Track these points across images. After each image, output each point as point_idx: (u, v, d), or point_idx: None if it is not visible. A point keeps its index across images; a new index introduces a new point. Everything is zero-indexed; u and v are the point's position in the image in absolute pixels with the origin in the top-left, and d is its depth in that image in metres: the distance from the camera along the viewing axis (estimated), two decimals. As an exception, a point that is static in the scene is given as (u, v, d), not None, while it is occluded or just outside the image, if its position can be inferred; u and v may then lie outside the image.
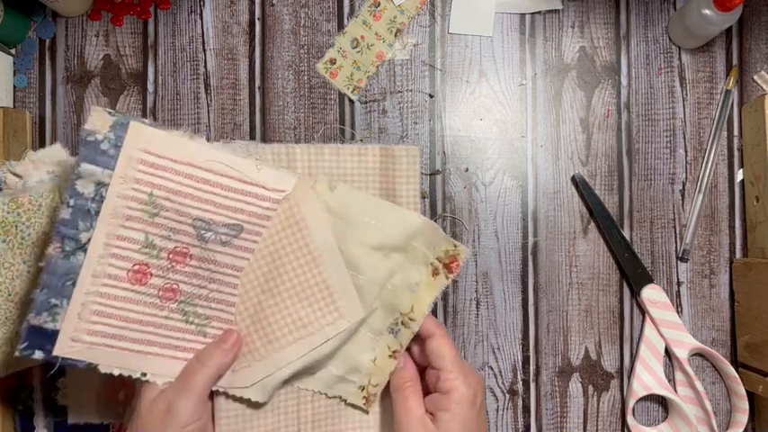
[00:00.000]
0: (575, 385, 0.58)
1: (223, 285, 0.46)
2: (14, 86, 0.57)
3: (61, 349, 0.41)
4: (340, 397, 0.50)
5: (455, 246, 0.50)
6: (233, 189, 0.45)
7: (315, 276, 0.47)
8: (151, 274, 0.43)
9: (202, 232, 0.44)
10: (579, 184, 0.58)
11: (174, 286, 0.44)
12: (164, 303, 0.44)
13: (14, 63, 0.57)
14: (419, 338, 0.49)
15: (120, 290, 0.43)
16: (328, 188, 0.48)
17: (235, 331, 0.46)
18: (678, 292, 0.58)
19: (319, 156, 0.50)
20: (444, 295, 0.57)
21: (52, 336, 0.41)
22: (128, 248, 0.43)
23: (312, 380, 0.49)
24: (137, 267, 0.43)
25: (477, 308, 0.58)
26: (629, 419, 0.57)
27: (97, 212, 0.41)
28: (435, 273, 0.50)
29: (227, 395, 0.47)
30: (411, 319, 0.49)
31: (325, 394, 0.50)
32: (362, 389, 0.50)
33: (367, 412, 0.50)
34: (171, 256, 0.44)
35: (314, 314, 0.47)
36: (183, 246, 0.44)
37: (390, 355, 0.49)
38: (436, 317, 0.57)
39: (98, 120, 0.41)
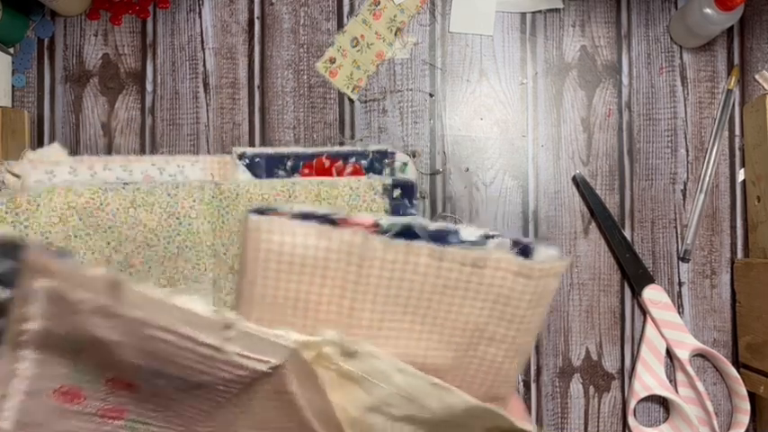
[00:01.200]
0: (575, 386, 0.58)
1: (185, 418, 0.36)
2: (13, 86, 0.57)
3: None
4: None
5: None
6: (190, 350, 0.30)
7: None
8: (85, 397, 0.33)
9: (148, 376, 0.32)
10: (580, 183, 0.57)
11: (120, 407, 0.35)
12: (105, 421, 0.35)
13: (13, 62, 0.57)
14: None
15: (44, 405, 0.33)
16: (341, 354, 0.33)
17: None
18: (679, 292, 0.58)
19: (411, 258, 0.33)
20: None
21: None
22: (49, 373, 0.32)
23: None
24: (65, 389, 0.33)
25: (478, 308, 0.57)
26: (631, 420, 0.57)
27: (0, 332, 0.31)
28: None
29: None
30: None
31: None
32: None
33: None
34: (110, 383, 0.33)
35: None
36: (126, 377, 0.33)
37: None
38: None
39: None
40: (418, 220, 0.33)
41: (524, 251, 0.33)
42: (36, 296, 0.30)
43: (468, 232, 0.33)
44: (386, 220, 0.33)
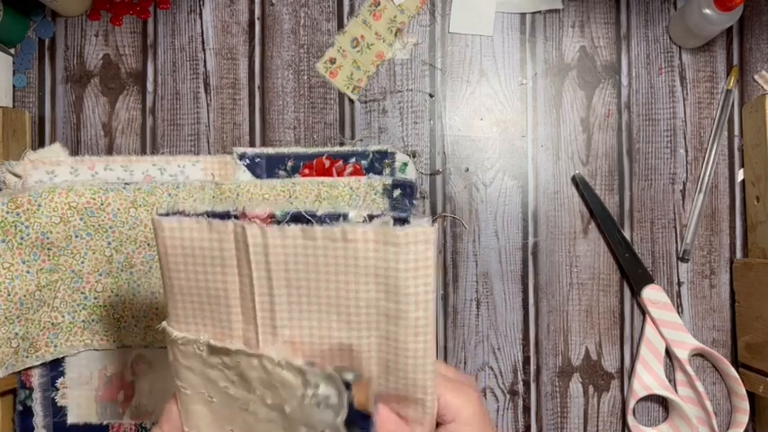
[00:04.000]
0: (575, 385, 0.58)
1: None
2: (14, 86, 0.57)
3: None
4: None
5: None
6: None
7: None
8: None
9: None
10: (579, 183, 0.58)
11: None
12: None
13: (14, 62, 0.57)
14: None
15: None
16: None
17: None
18: (678, 292, 0.58)
19: (288, 242, 0.35)
20: (445, 296, 0.57)
21: None
22: None
23: None
24: None
25: (478, 308, 0.57)
26: (630, 420, 0.57)
27: None
28: None
29: None
30: None
31: None
32: None
33: None
34: None
35: None
36: None
37: None
38: (436, 318, 0.57)
39: None
40: (309, 207, 0.35)
41: (401, 223, 0.34)
42: None
43: (355, 214, 0.34)
44: (281, 211, 0.35)
